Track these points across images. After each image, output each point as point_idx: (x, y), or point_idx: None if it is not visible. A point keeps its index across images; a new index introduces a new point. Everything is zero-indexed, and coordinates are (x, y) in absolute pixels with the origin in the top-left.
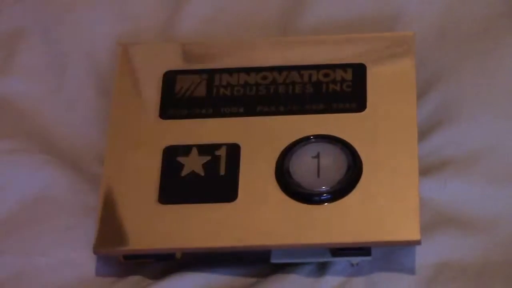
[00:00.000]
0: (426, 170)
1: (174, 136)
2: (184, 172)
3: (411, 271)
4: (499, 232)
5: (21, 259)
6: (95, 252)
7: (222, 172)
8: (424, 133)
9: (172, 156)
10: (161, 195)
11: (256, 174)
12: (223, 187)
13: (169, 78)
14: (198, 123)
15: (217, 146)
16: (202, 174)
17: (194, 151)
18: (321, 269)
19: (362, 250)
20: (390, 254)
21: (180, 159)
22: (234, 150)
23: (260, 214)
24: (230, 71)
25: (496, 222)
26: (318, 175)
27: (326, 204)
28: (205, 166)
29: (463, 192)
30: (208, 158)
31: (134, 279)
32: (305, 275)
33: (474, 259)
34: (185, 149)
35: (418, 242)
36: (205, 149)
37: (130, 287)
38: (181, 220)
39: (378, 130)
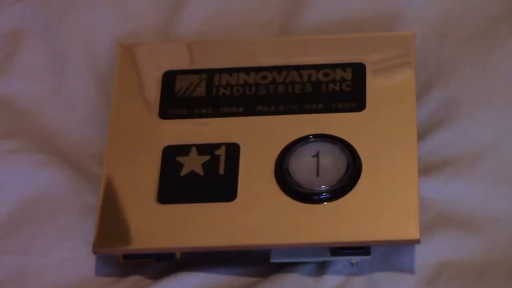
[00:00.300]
0: (426, 170)
1: (174, 136)
2: (183, 172)
3: (411, 271)
4: (499, 232)
5: (21, 259)
6: (94, 252)
7: (222, 171)
8: (424, 133)
9: (171, 155)
10: (160, 194)
11: (255, 174)
12: (222, 187)
13: (169, 78)
14: (197, 123)
15: (217, 146)
16: (202, 173)
17: (194, 150)
18: (321, 268)
19: (361, 249)
20: (390, 254)
21: (180, 158)
22: (233, 150)
23: (259, 214)
24: (229, 71)
25: (497, 222)
26: (318, 175)
27: (325, 203)
28: (204, 165)
29: (464, 192)
30: (208, 157)
31: (133, 279)
32: (305, 275)
33: (474, 259)
34: (185, 149)
35: (417, 241)
36: (205, 148)
37: (129, 287)
38: (181, 219)
39: (378, 129)
